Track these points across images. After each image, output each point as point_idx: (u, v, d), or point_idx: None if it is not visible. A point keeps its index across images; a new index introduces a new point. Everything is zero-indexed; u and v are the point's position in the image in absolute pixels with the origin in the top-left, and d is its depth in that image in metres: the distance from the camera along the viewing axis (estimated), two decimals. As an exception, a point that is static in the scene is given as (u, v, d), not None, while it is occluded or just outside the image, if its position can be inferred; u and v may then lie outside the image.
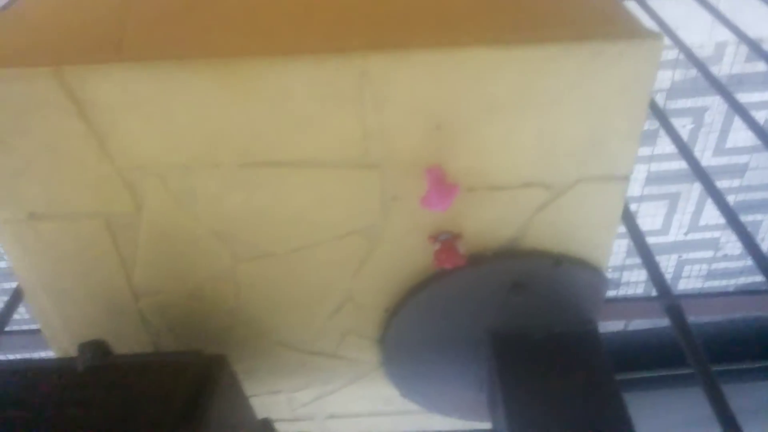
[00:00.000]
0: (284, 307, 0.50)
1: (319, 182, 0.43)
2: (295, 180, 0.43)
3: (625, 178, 0.44)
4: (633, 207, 1.66)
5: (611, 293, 1.83)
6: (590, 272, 0.48)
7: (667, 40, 0.92)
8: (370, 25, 0.41)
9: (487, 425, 0.57)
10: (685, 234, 1.75)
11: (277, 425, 0.54)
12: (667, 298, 0.55)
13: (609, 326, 1.53)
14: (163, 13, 0.44)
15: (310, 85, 0.39)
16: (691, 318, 0.56)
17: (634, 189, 1.63)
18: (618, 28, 0.39)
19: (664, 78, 1.43)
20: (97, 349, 0.41)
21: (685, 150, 0.72)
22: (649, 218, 1.70)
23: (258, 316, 0.51)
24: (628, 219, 0.64)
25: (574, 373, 0.48)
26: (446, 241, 0.46)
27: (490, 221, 0.46)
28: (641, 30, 0.39)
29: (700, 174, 0.69)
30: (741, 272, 1.85)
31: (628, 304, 0.58)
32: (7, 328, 0.57)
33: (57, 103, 0.39)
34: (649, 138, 1.50)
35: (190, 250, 0.47)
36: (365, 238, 0.46)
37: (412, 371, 0.55)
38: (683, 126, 1.52)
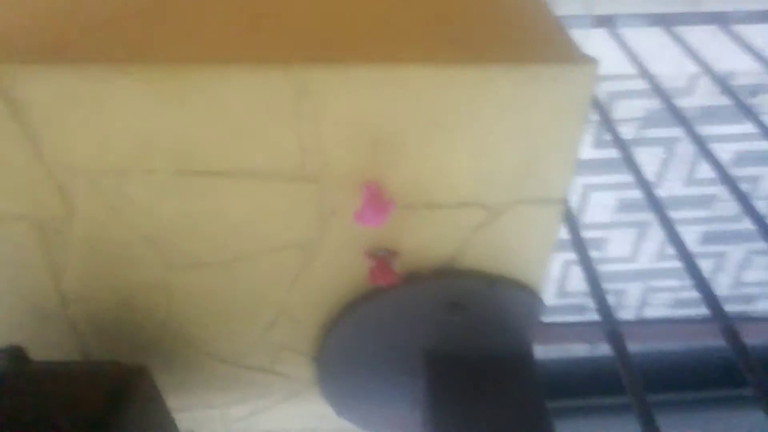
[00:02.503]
0: (218, 319, 0.49)
1: (255, 193, 0.43)
2: (231, 190, 0.43)
3: (561, 202, 0.44)
4: (601, 234, 1.67)
5: (571, 318, 1.83)
6: (526, 294, 0.48)
7: (637, 70, 0.93)
8: (314, 38, 0.41)
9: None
10: (653, 262, 1.76)
11: (213, 440, 0.53)
12: (608, 324, 0.55)
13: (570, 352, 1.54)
14: (108, 18, 0.43)
15: (248, 96, 0.39)
16: (636, 345, 0.56)
17: (604, 216, 1.64)
18: (555, 52, 0.39)
19: (638, 107, 1.45)
20: (13, 355, 0.40)
21: (641, 180, 0.73)
22: (618, 245, 1.71)
23: (191, 327, 0.50)
24: (577, 241, 0.64)
25: (505, 396, 0.47)
26: (382, 258, 0.45)
27: (427, 240, 0.45)
28: (577, 55, 0.39)
29: (655, 204, 0.69)
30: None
31: (569, 328, 0.58)
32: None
33: (-14, 102, 0.38)
34: (620, 166, 1.51)
35: (122, 257, 0.46)
36: (301, 251, 0.46)
37: (346, 389, 0.54)
38: (655, 155, 1.54)
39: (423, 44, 0.40)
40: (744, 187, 1.58)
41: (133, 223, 0.44)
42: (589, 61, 0.38)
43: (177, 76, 0.38)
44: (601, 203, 1.61)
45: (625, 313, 1.86)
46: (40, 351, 0.44)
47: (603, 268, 1.73)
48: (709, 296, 0.58)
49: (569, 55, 0.39)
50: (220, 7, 0.45)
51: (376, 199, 0.42)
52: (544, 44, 0.40)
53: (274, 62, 0.38)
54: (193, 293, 0.48)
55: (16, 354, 0.40)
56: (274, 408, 0.57)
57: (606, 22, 1.05)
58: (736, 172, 1.57)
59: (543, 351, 0.51)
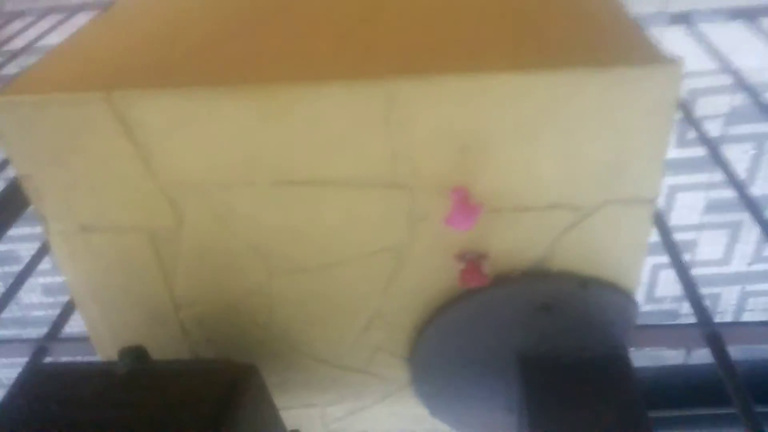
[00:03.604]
0: (316, 321, 0.52)
1: (348, 201, 0.45)
2: (326, 198, 0.45)
3: (651, 202, 0.44)
4: (692, 236, 1.61)
5: (663, 322, 1.77)
6: (619, 295, 0.48)
7: (719, 65, 0.90)
8: (398, 52, 0.43)
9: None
10: (749, 265, 1.68)
11: (311, 439, 0.55)
12: (706, 326, 0.54)
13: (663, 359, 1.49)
14: (207, 42, 0.47)
15: (341, 109, 0.41)
16: (737, 350, 0.55)
17: (693, 217, 1.58)
18: (638, 53, 0.40)
19: (722, 103, 1.40)
20: (136, 355, 0.44)
21: (732, 178, 0.71)
22: (709, 247, 1.65)
23: (291, 329, 0.53)
24: (669, 244, 0.63)
25: (602, 398, 0.47)
26: (471, 260, 0.47)
27: (516, 242, 0.46)
28: (660, 56, 0.39)
29: (749, 203, 0.67)
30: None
31: (665, 331, 0.57)
32: (60, 335, 0.61)
33: (107, 124, 0.42)
34: (708, 165, 1.46)
35: (228, 264, 0.49)
36: (393, 256, 0.48)
37: (440, 390, 0.55)
38: (745, 152, 1.48)
39: (506, 52, 0.41)
40: None
41: (237, 232, 0.47)
42: (673, 61, 0.38)
43: (276, 95, 0.41)
44: (688, 204, 1.56)
45: (722, 319, 1.78)
46: (155, 353, 0.48)
47: (694, 272, 1.66)
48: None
49: (652, 56, 0.39)
50: (309, 25, 0.48)
51: (465, 204, 0.43)
52: (626, 46, 0.41)
53: (364, 77, 0.40)
54: (293, 297, 0.50)
55: (139, 353, 0.44)
56: (371, 408, 0.59)
57: (683, 18, 1.02)
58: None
59: (636, 357, 0.51)
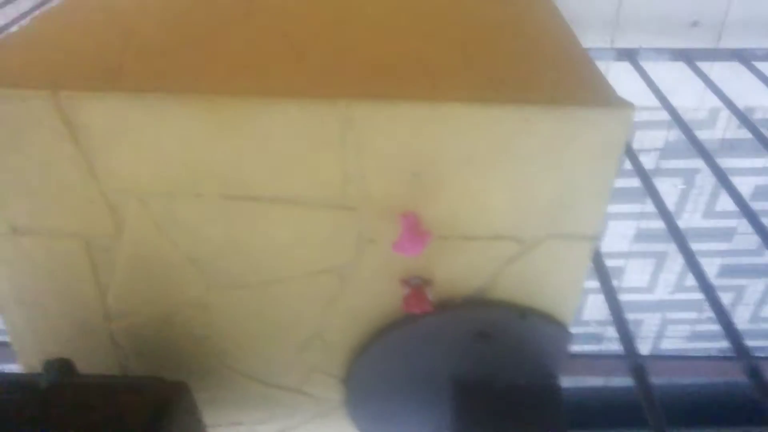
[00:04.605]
0: (253, 338, 0.51)
1: (296, 220, 0.44)
2: (274, 215, 0.44)
3: (592, 238, 0.45)
4: (620, 263, 1.67)
5: (590, 348, 1.82)
6: (555, 327, 0.49)
7: (658, 102, 0.94)
8: (358, 72, 0.43)
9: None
10: (671, 293, 1.76)
11: (240, 457, 0.54)
12: (632, 358, 0.56)
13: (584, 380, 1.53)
14: (163, 47, 0.46)
15: (295, 127, 0.40)
16: (659, 379, 0.57)
17: (623, 245, 1.64)
18: (592, 94, 0.41)
19: (658, 138, 1.46)
20: (62, 368, 0.42)
21: (663, 210, 0.74)
22: (636, 275, 1.71)
23: (226, 346, 0.51)
24: (603, 275, 0.65)
25: (530, 426, 0.48)
26: (416, 286, 0.47)
27: (460, 270, 0.47)
28: (614, 98, 0.40)
29: (676, 236, 0.70)
30: (724, 336, 1.86)
31: (594, 361, 0.59)
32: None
33: (50, 124, 0.40)
34: (639, 196, 1.52)
35: (167, 276, 0.47)
36: (337, 276, 0.47)
37: (374, 413, 0.55)
38: (674, 186, 1.54)
39: (464, 82, 0.42)
40: (764, 220, 1.58)
41: (178, 244, 0.46)
42: (626, 105, 0.40)
43: (229, 107, 0.40)
44: (619, 232, 1.62)
45: (642, 344, 1.85)
46: (83, 364, 0.46)
47: (621, 298, 1.72)
48: (730, 331, 0.59)
49: (606, 98, 0.40)
50: (270, 39, 0.47)
51: (414, 229, 0.44)
52: (581, 86, 0.42)
53: (322, 97, 0.40)
54: (231, 313, 0.49)
55: (65, 366, 0.42)
56: (300, 428, 0.58)
57: (629, 55, 1.07)
58: (756, 205, 1.57)
59: (565, 381, 0.52)
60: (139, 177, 0.43)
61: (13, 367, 0.53)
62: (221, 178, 0.42)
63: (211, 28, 0.49)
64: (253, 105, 0.40)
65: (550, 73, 0.43)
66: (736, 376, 0.57)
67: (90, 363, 0.51)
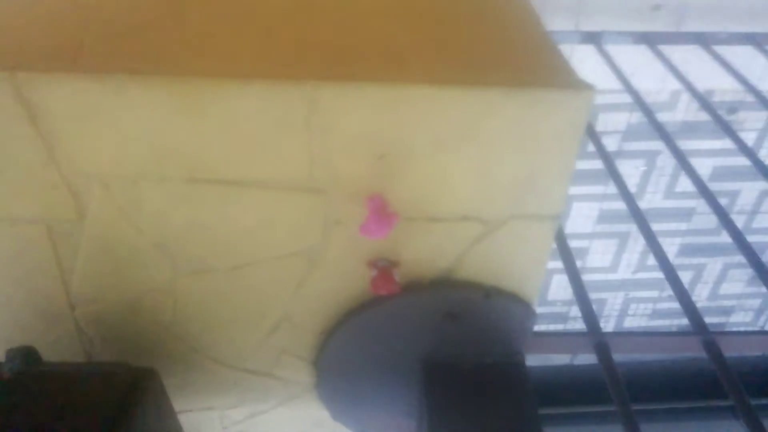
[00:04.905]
0: (221, 323, 0.51)
1: (263, 203, 0.44)
2: (240, 199, 0.44)
3: (555, 218, 0.46)
4: (584, 243, 1.70)
5: (553, 327, 1.86)
6: (520, 306, 0.50)
7: (621, 85, 0.96)
8: (324, 54, 0.43)
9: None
10: (633, 273, 1.80)
11: (210, 441, 0.54)
12: (595, 335, 0.57)
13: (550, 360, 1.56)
14: (125, 27, 0.45)
15: (260, 109, 0.40)
16: (620, 356, 0.59)
17: (586, 226, 1.67)
18: (555, 76, 0.41)
19: (621, 120, 1.48)
20: (25, 356, 0.41)
21: (624, 192, 0.75)
22: (599, 255, 1.75)
23: (194, 330, 0.51)
24: (566, 254, 0.67)
25: (499, 403, 0.49)
26: (383, 268, 0.47)
27: (426, 251, 0.47)
28: (576, 81, 0.41)
29: (637, 217, 0.72)
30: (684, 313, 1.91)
31: (558, 339, 0.60)
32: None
33: (8, 106, 0.39)
34: (602, 177, 1.54)
35: (131, 261, 0.47)
36: (305, 259, 0.47)
37: (344, 394, 0.55)
38: (636, 168, 1.57)
39: (429, 65, 0.42)
40: (722, 201, 1.63)
41: (144, 228, 0.45)
42: (587, 86, 0.40)
43: (194, 89, 0.39)
44: (583, 213, 1.65)
45: (606, 323, 1.89)
46: (47, 352, 0.45)
47: (585, 278, 1.75)
48: (689, 309, 0.61)
49: (568, 80, 0.41)
50: (235, 20, 0.47)
51: (381, 212, 0.44)
52: (544, 69, 0.42)
53: (287, 78, 0.40)
54: (198, 297, 0.49)
55: (29, 354, 0.41)
56: (272, 411, 0.58)
57: (593, 38, 1.08)
58: (715, 186, 1.61)
59: (528, 357, 0.53)
60: (102, 161, 0.42)
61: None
62: (186, 161, 0.42)
63: (174, 9, 0.48)
64: (217, 86, 0.39)
65: (514, 56, 0.44)
66: (695, 351, 0.59)
67: (55, 351, 0.50)
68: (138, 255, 0.46)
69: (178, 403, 0.52)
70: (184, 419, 0.54)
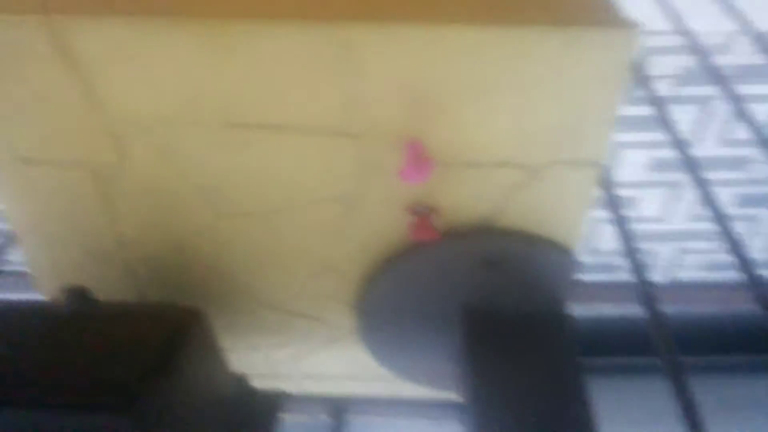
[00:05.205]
0: (263, 266, 0.52)
1: (298, 147, 0.45)
2: (275, 143, 0.44)
3: (597, 164, 0.45)
4: (635, 192, 1.66)
5: (599, 277, 1.83)
6: (562, 254, 0.49)
7: (672, 26, 0.91)
8: (358, -4, 0.42)
9: (456, 396, 0.59)
10: (686, 223, 1.75)
11: (256, 381, 0.56)
12: (642, 286, 0.56)
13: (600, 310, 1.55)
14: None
15: (292, 52, 0.40)
16: (669, 307, 0.57)
17: (636, 174, 1.63)
18: (597, 14, 0.40)
19: (673, 64, 1.42)
20: (80, 295, 0.43)
21: (676, 139, 0.73)
22: (650, 204, 1.70)
23: (237, 272, 0.52)
24: (614, 204, 0.65)
25: (539, 351, 0.49)
26: (422, 214, 0.47)
27: (466, 198, 0.47)
28: (619, 18, 0.39)
29: (689, 164, 0.69)
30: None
31: (604, 289, 0.59)
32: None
33: (45, 52, 0.40)
34: (653, 124, 1.49)
35: (174, 204, 0.48)
36: (342, 205, 0.48)
37: (386, 339, 0.56)
38: (690, 114, 1.51)
39: (465, 5, 0.41)
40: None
41: (183, 172, 0.46)
42: (631, 25, 0.39)
43: (225, 31, 0.39)
44: (633, 161, 1.60)
45: (657, 274, 1.86)
46: (100, 292, 0.47)
47: (634, 228, 1.72)
48: (743, 261, 0.59)
49: (611, 18, 0.39)
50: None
51: (418, 157, 0.44)
52: (586, 7, 0.41)
53: (318, 19, 0.39)
54: (239, 241, 0.50)
55: (82, 294, 0.43)
56: (317, 352, 0.60)
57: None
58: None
59: (574, 309, 0.53)
60: (139, 105, 0.43)
61: (34, 296, 0.55)
62: (220, 105, 0.42)
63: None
64: (248, 28, 0.39)
65: (557, -5, 0.42)
66: (748, 304, 0.57)
67: (107, 290, 0.52)
68: (179, 198, 0.48)
69: (225, 343, 0.54)
70: (232, 358, 0.56)
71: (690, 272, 1.88)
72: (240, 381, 0.53)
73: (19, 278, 0.58)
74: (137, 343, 0.40)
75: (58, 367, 0.39)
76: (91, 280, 0.52)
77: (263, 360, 0.61)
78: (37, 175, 0.47)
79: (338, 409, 0.70)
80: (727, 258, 1.83)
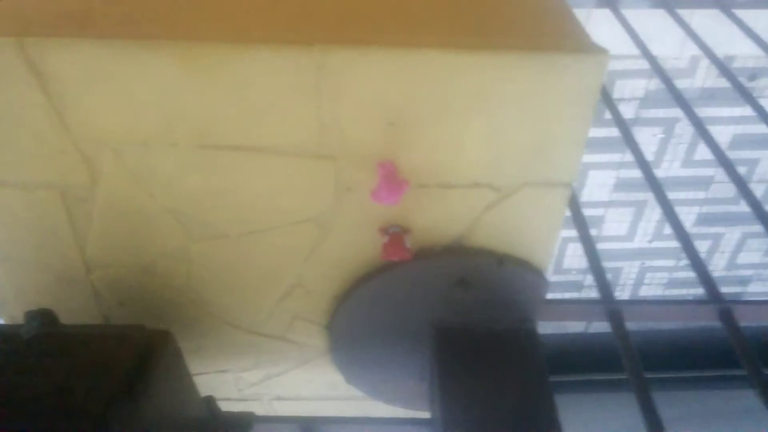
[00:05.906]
0: (235, 288, 0.51)
1: (274, 169, 0.44)
2: (251, 165, 0.44)
3: (568, 185, 0.46)
4: (600, 212, 1.69)
5: (568, 295, 1.86)
6: (532, 273, 0.50)
7: (638, 50, 0.94)
8: (334, 18, 0.42)
9: (427, 415, 0.58)
10: (649, 242, 1.79)
11: (224, 404, 0.55)
12: (608, 302, 0.57)
13: (565, 328, 1.57)
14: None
15: (270, 74, 0.40)
16: (635, 325, 0.58)
17: (602, 194, 1.66)
18: (568, 41, 0.40)
19: (638, 87, 1.46)
20: (43, 318, 0.42)
21: (641, 160, 0.74)
22: (615, 224, 1.73)
23: (208, 295, 0.52)
24: (580, 223, 0.66)
25: (510, 369, 0.50)
26: (395, 234, 0.47)
27: (438, 218, 0.47)
28: (589, 44, 0.40)
29: (653, 184, 0.71)
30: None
31: (571, 306, 0.60)
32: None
33: (18, 73, 0.40)
34: (619, 145, 1.52)
35: (145, 227, 0.47)
36: (317, 226, 0.48)
37: (357, 359, 0.56)
38: (654, 135, 1.55)
39: (440, 29, 0.42)
40: (741, 169, 1.60)
41: (156, 194, 0.46)
42: (600, 51, 0.40)
43: (203, 54, 0.39)
44: (599, 182, 1.63)
45: (621, 291, 1.89)
46: (65, 315, 0.46)
47: (600, 247, 1.75)
48: (705, 278, 0.60)
49: (581, 44, 0.40)
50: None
51: (392, 178, 0.44)
52: (557, 33, 0.42)
53: (296, 42, 0.39)
54: (211, 263, 0.50)
55: (47, 317, 0.42)
56: (287, 374, 0.59)
57: (609, 2, 1.06)
58: (734, 154, 1.59)
59: (541, 325, 0.53)
60: (113, 127, 0.42)
61: (-4, 320, 0.53)
62: (196, 127, 0.42)
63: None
64: (226, 51, 0.39)
65: (527, 20, 0.43)
66: (709, 320, 0.58)
67: (73, 314, 0.51)
68: (151, 220, 0.47)
69: (194, 366, 0.53)
70: (200, 381, 0.55)
71: (653, 289, 1.92)
72: (209, 404, 0.52)
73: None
74: (104, 367, 0.39)
75: (21, 392, 0.38)
76: (56, 303, 0.50)
77: (233, 382, 0.60)
78: (3, 196, 0.46)
79: (308, 429, 0.70)
80: (689, 275, 1.86)
